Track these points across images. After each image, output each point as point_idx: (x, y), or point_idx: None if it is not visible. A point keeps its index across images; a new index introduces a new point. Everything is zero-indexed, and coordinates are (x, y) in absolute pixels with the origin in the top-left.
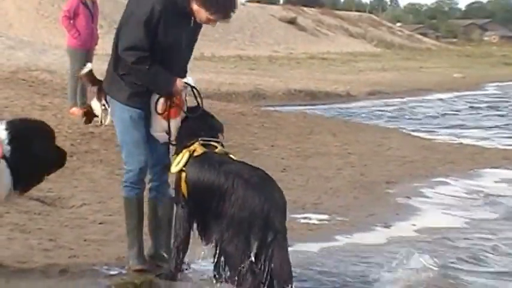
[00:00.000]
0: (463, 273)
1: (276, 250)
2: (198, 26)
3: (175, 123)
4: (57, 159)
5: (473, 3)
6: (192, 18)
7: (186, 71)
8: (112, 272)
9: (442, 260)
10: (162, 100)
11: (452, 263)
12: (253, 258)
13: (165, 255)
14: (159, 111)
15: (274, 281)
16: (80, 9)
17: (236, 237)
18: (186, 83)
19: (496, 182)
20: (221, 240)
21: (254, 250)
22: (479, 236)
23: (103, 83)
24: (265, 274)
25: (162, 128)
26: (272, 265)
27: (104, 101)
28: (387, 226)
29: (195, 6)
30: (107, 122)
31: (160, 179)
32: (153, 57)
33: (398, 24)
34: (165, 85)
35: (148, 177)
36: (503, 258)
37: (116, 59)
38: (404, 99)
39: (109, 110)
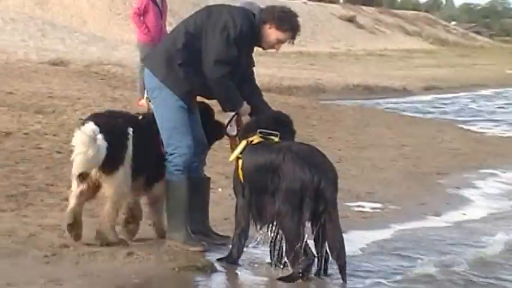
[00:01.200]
0: None
1: (329, 219)
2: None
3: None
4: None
5: None
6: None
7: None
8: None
9: None
10: (233, 123)
11: None
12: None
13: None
14: (234, 134)
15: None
16: (149, 7)
17: (295, 207)
18: None
19: None
20: (277, 215)
21: (307, 220)
22: None
23: (156, 68)
24: (321, 246)
25: None
26: (326, 234)
27: None
28: (438, 215)
29: (266, 29)
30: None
31: (200, 160)
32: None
33: (453, 22)
34: (237, 103)
35: None
36: None
37: (179, 52)
38: (459, 94)
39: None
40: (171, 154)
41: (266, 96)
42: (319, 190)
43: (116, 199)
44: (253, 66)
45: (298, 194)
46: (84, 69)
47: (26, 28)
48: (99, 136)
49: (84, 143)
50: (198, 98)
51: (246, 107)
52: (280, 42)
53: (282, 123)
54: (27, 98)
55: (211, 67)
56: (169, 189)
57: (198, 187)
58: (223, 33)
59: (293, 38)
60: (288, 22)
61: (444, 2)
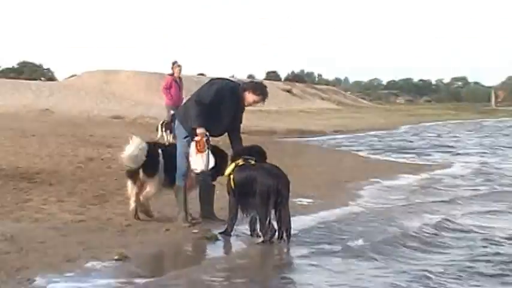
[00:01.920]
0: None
1: (283, 207)
2: (239, 109)
3: (202, 157)
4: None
5: (390, 81)
6: (242, 103)
7: (223, 133)
8: (195, 230)
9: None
10: (193, 144)
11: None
12: (273, 212)
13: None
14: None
15: (281, 229)
16: (172, 84)
17: (264, 201)
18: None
19: (406, 179)
20: (256, 205)
21: (272, 207)
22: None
23: (179, 119)
24: (278, 223)
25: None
26: (281, 216)
27: None
28: (346, 205)
29: (246, 94)
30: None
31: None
32: (209, 111)
33: (348, 92)
34: (197, 124)
35: None
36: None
37: (189, 109)
38: (354, 134)
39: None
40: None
41: (242, 136)
42: (278, 190)
43: (153, 192)
44: (241, 122)
45: (266, 193)
46: (132, 121)
47: (97, 96)
48: (144, 144)
49: (132, 146)
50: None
51: (201, 130)
52: (255, 102)
53: (257, 152)
54: (101, 138)
55: (192, 102)
56: (177, 189)
57: (209, 190)
58: (210, 87)
59: (263, 100)
60: (260, 90)
61: (343, 80)
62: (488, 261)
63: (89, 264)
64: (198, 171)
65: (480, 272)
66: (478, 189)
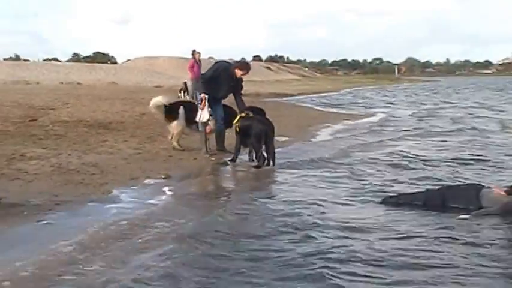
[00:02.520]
0: None
1: (270, 143)
2: (233, 81)
3: (203, 111)
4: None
5: (333, 60)
6: (233, 77)
7: (225, 97)
8: (212, 158)
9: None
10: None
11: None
12: (263, 147)
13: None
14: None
15: (269, 157)
16: (194, 65)
17: (258, 139)
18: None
19: (344, 123)
20: (252, 142)
21: (263, 143)
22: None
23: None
24: (267, 153)
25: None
26: (269, 148)
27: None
28: (309, 140)
29: (236, 70)
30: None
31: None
32: (210, 82)
33: (306, 68)
34: (201, 90)
35: None
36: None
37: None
38: (311, 95)
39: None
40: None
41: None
42: (267, 132)
43: (174, 132)
44: (242, 88)
45: (259, 134)
46: (168, 89)
47: (145, 73)
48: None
49: (152, 101)
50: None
51: (203, 95)
52: (242, 75)
53: (256, 109)
54: (149, 100)
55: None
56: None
57: (222, 132)
58: (212, 67)
59: (247, 73)
60: (245, 67)
61: (302, 60)
62: None
63: (146, 181)
64: (203, 120)
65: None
66: (384, 129)
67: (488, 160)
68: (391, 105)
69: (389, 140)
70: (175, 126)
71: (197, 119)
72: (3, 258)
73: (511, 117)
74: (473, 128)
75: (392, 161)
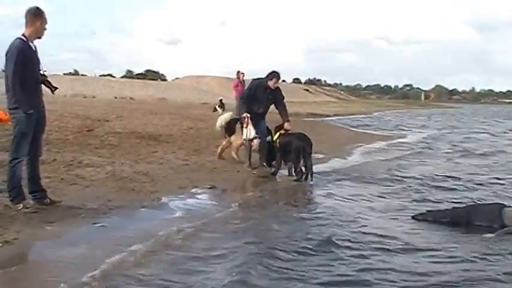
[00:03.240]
0: None
1: (308, 159)
2: (269, 93)
3: (246, 129)
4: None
5: (367, 85)
6: (268, 89)
7: (266, 112)
8: (254, 172)
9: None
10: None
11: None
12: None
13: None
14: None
15: (307, 171)
16: (238, 84)
17: (297, 155)
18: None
19: (379, 144)
20: (292, 157)
21: (302, 159)
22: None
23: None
24: (306, 168)
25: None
26: (307, 163)
27: None
28: (345, 158)
29: (268, 82)
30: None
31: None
32: (249, 100)
33: (342, 91)
34: (242, 112)
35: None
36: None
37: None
38: (347, 116)
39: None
40: None
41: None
42: (305, 148)
43: (236, 145)
44: (283, 98)
45: (298, 150)
46: (214, 105)
47: (192, 91)
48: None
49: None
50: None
51: (244, 114)
52: (274, 83)
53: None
54: (196, 116)
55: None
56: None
57: (264, 148)
58: (248, 86)
59: (277, 80)
60: (273, 75)
61: (338, 84)
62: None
63: (192, 190)
64: (249, 137)
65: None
66: (416, 150)
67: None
68: (421, 128)
69: (420, 159)
70: (234, 140)
71: (244, 136)
72: (64, 256)
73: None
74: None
75: (423, 179)
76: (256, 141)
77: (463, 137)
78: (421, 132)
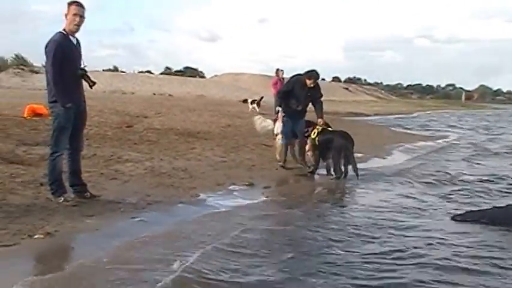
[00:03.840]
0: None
1: (351, 157)
2: (308, 90)
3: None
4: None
5: (408, 85)
6: (306, 86)
7: (305, 111)
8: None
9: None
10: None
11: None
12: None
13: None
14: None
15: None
16: (277, 81)
17: (338, 153)
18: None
19: (419, 144)
20: (333, 155)
21: (343, 157)
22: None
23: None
24: (345, 166)
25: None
26: (350, 162)
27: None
28: (384, 158)
29: (306, 80)
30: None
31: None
32: (287, 96)
33: (382, 90)
34: (276, 104)
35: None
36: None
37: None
38: (387, 116)
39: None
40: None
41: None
42: (347, 147)
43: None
44: (321, 96)
45: (340, 148)
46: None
47: (231, 88)
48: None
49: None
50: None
51: (278, 109)
52: (311, 83)
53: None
54: (234, 113)
55: (277, 94)
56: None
57: (301, 146)
58: (286, 82)
59: (315, 80)
60: (311, 75)
61: (379, 83)
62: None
63: (230, 187)
64: (277, 131)
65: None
66: (456, 150)
67: None
68: (462, 128)
69: (463, 159)
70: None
71: (275, 130)
72: (104, 247)
73: None
74: None
75: (468, 179)
76: (278, 137)
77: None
78: (464, 133)
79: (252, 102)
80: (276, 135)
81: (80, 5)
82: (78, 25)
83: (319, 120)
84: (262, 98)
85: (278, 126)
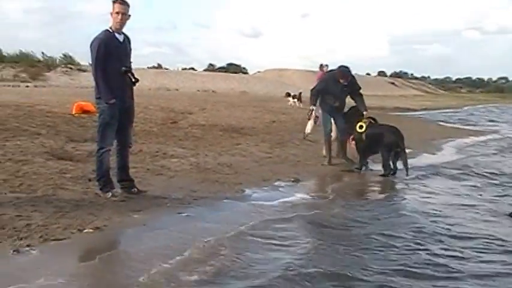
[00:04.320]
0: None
1: (403, 153)
2: (343, 85)
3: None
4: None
5: (457, 78)
6: (340, 83)
7: (343, 106)
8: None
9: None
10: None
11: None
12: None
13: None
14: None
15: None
16: (323, 76)
17: (389, 149)
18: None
19: (464, 139)
20: (382, 151)
21: (393, 153)
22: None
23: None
24: (394, 164)
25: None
26: (401, 158)
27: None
28: (434, 154)
29: (338, 76)
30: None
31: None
32: (321, 93)
33: (430, 85)
34: (312, 103)
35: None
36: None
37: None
38: (435, 111)
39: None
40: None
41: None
42: (397, 143)
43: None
44: (360, 88)
45: (391, 144)
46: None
47: (274, 84)
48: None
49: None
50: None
51: (311, 107)
52: (343, 80)
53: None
54: (278, 109)
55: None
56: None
57: (343, 142)
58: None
59: (346, 80)
60: (342, 74)
61: (426, 77)
62: None
63: (276, 183)
64: (307, 131)
65: None
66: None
67: None
68: None
69: None
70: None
71: (306, 130)
72: (154, 244)
73: None
74: None
75: None
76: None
77: None
78: None
79: (293, 97)
80: (307, 134)
81: (123, 3)
82: (121, 23)
83: (365, 113)
84: (301, 93)
85: (308, 126)
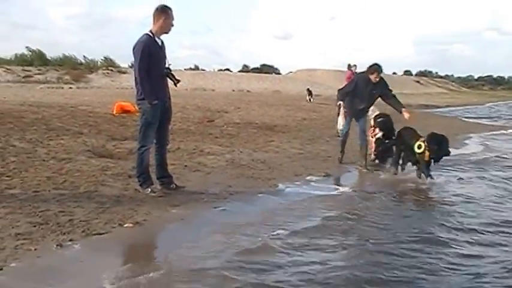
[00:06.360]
0: None
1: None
2: (372, 87)
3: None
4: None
5: (479, 76)
6: (370, 83)
7: (370, 106)
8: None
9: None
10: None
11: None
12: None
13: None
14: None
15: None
16: (352, 76)
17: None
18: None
19: (487, 134)
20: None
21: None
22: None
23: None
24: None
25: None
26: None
27: None
28: (458, 149)
29: (370, 75)
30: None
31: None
32: (348, 94)
33: (453, 83)
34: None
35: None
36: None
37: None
38: (458, 108)
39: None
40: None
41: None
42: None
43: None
44: (391, 91)
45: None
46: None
47: (305, 84)
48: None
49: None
50: None
51: (340, 103)
52: (375, 77)
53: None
54: (309, 107)
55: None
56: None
57: (364, 145)
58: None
59: (378, 73)
60: (374, 69)
61: (450, 75)
62: None
63: (308, 178)
64: (339, 127)
65: None
66: None
67: None
68: None
69: None
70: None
71: (338, 126)
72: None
73: None
74: None
75: None
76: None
77: None
78: None
79: (309, 93)
80: (339, 131)
81: (172, 11)
82: (170, 29)
83: (405, 114)
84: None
85: (340, 122)
